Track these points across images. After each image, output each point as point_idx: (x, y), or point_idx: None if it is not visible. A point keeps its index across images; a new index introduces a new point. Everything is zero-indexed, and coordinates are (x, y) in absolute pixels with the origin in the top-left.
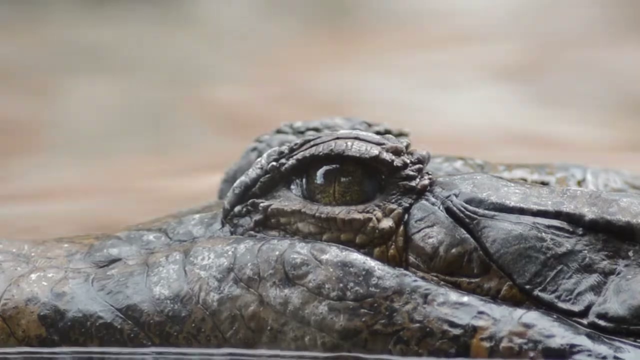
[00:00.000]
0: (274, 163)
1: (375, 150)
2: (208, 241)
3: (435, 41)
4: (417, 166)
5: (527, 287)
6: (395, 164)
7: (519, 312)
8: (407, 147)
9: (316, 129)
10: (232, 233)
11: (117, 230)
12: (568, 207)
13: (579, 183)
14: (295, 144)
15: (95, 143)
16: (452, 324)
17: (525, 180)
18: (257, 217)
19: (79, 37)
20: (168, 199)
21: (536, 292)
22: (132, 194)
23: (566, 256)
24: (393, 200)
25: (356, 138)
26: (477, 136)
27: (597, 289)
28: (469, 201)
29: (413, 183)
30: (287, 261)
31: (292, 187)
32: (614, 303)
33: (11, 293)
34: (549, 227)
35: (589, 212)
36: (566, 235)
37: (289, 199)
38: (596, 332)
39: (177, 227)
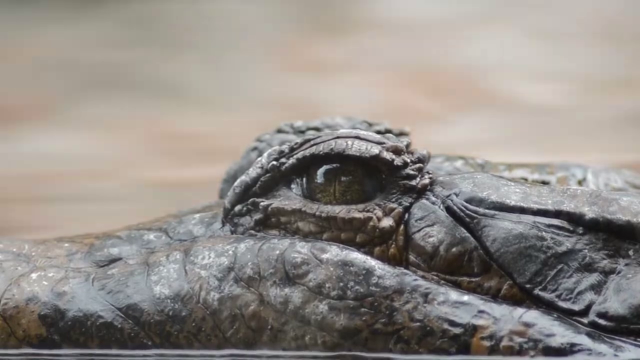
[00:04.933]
0: (275, 162)
1: (375, 150)
2: (208, 240)
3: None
4: (417, 165)
5: (528, 286)
6: (395, 163)
7: (520, 311)
8: (407, 146)
9: (317, 128)
10: (232, 232)
11: (118, 230)
12: (568, 206)
13: (580, 182)
14: (296, 144)
15: None
16: (453, 323)
17: (525, 179)
18: (258, 216)
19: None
20: None
21: (536, 291)
22: None
23: (566, 255)
24: (393, 200)
25: (356, 137)
26: None
27: (597, 288)
28: (470, 200)
29: (413, 182)
30: (288, 260)
31: (293, 186)
32: (614, 302)
33: (12, 292)
34: (549, 226)
35: (589, 211)
36: (566, 234)
37: (290, 198)
38: (596, 331)
39: (177, 226)
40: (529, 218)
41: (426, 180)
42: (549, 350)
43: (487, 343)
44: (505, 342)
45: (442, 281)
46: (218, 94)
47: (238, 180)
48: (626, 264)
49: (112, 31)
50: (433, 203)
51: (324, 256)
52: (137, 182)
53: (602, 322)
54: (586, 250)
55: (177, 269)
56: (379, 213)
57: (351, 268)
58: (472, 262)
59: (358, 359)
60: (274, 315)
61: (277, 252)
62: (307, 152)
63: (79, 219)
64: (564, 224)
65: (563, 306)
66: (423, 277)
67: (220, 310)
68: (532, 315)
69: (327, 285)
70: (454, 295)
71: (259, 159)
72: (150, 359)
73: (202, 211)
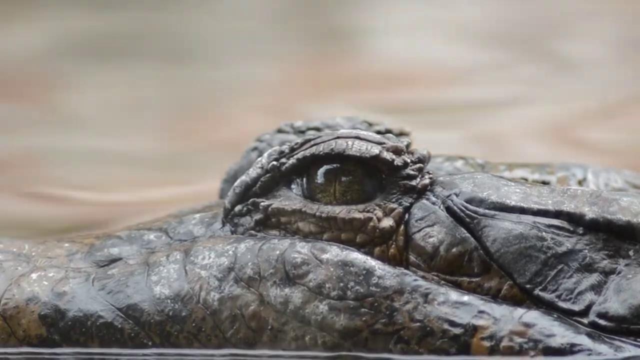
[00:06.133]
0: (275, 162)
1: (375, 150)
2: (209, 240)
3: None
4: (417, 165)
5: (528, 286)
6: (395, 163)
7: (520, 311)
8: (407, 146)
9: (317, 129)
10: (232, 232)
11: (118, 230)
12: (568, 207)
13: (580, 182)
14: (296, 144)
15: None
16: (453, 323)
17: (525, 179)
18: (258, 216)
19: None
20: None
21: (537, 292)
22: None
23: (567, 255)
24: (393, 200)
25: (357, 137)
26: None
27: (597, 288)
28: (470, 200)
29: (413, 182)
30: (288, 260)
31: (293, 186)
32: (614, 302)
33: (12, 292)
34: (549, 226)
35: (590, 212)
36: (567, 234)
37: (290, 199)
38: (597, 331)
39: (177, 226)
40: (529, 218)
41: (426, 181)
42: (549, 351)
43: (487, 343)
44: (505, 343)
45: (443, 281)
46: None
47: (238, 181)
48: (626, 264)
49: None
50: (433, 203)
51: (324, 256)
52: None
53: (602, 322)
54: (586, 251)
55: (177, 269)
56: (379, 213)
57: (351, 268)
58: (472, 262)
59: (358, 359)
60: (274, 316)
61: (278, 252)
62: (308, 152)
63: None
64: (564, 224)
65: (563, 306)
66: (423, 277)
67: (221, 311)
68: (532, 315)
69: (327, 285)
70: (454, 295)
71: (259, 159)
72: (150, 359)
73: (202, 211)
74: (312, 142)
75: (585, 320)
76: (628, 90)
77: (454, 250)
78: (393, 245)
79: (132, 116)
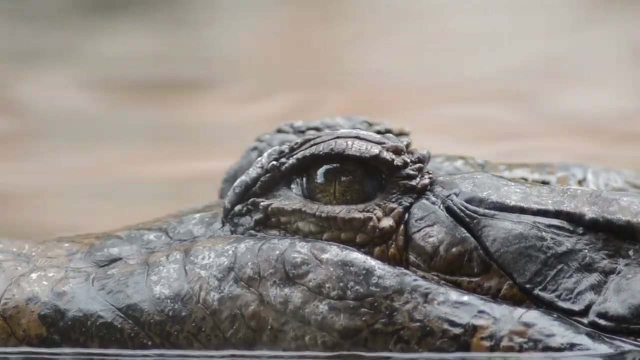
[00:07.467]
0: (275, 162)
1: (375, 150)
2: (209, 241)
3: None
4: (417, 165)
5: (528, 286)
6: (395, 163)
7: (520, 311)
8: (407, 146)
9: (317, 129)
10: (232, 232)
11: (118, 230)
12: (569, 207)
13: (580, 183)
14: (296, 144)
15: None
16: (453, 324)
17: (526, 179)
18: (258, 216)
19: None
20: None
21: (537, 292)
22: None
23: (567, 255)
24: (394, 200)
25: (357, 137)
26: None
27: (597, 288)
28: (470, 200)
29: (414, 182)
30: (288, 261)
31: (293, 186)
32: (614, 302)
33: (12, 293)
34: (549, 226)
35: (590, 212)
36: (567, 234)
37: (290, 199)
38: (597, 331)
39: (177, 226)
40: (530, 218)
41: (426, 181)
42: (549, 351)
43: (487, 343)
44: (505, 343)
45: (443, 281)
46: None
47: (238, 181)
48: (626, 265)
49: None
50: (433, 203)
51: (324, 256)
52: None
53: (602, 322)
54: (586, 251)
55: (177, 269)
56: (379, 213)
57: (351, 268)
58: (473, 262)
59: (358, 359)
60: (274, 316)
61: (278, 252)
62: (308, 152)
63: None
64: (564, 224)
65: (563, 306)
66: (423, 277)
67: (221, 311)
68: (533, 315)
69: (327, 285)
70: (454, 295)
71: (259, 159)
72: (151, 359)
73: (202, 211)
74: (312, 142)
75: (585, 320)
76: None
77: (454, 250)
78: (393, 245)
79: None
